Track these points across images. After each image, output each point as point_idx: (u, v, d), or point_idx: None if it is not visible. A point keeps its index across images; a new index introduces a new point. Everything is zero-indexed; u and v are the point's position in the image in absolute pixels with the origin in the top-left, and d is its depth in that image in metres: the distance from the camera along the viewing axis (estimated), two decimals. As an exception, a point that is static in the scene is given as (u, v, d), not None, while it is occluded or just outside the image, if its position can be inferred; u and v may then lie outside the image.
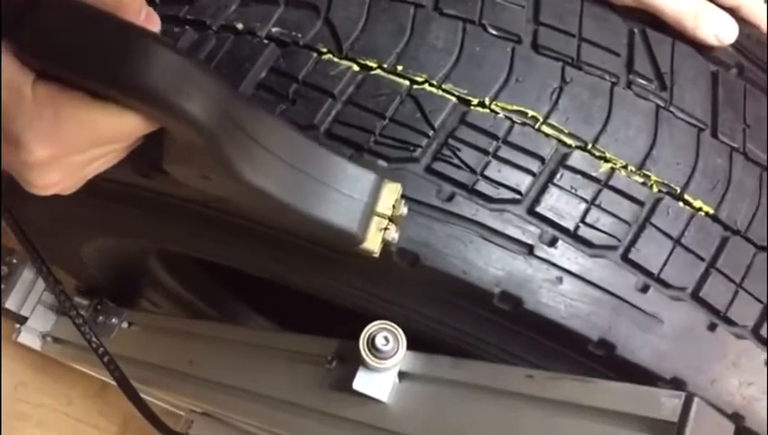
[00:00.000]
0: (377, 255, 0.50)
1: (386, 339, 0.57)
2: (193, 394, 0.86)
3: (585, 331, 0.52)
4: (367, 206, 0.49)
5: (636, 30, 0.57)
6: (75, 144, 0.41)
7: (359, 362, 0.59)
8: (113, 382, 1.13)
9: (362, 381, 0.59)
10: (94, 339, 0.80)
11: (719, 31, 0.57)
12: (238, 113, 0.43)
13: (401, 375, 0.60)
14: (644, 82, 0.56)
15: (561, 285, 0.52)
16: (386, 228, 0.50)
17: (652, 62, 0.57)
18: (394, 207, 0.50)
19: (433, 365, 0.59)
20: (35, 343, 1.24)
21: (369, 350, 0.57)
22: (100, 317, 1.08)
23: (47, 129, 0.40)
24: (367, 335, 0.57)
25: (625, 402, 0.47)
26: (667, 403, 0.44)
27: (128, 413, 1.47)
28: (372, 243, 0.50)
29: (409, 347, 0.58)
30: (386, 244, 0.50)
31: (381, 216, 0.50)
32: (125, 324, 1.06)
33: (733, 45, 0.60)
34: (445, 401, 0.57)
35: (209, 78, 0.41)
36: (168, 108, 0.39)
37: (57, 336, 1.22)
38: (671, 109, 0.56)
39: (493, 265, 0.51)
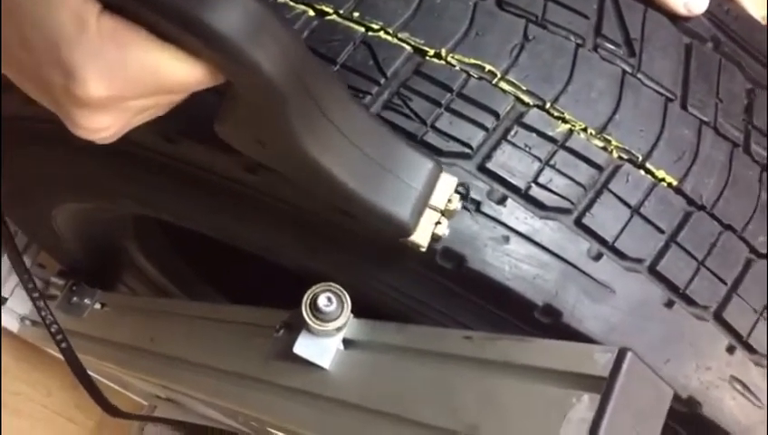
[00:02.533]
0: (424, 249, 0.48)
1: (329, 300, 0.54)
2: (153, 371, 0.84)
3: (530, 295, 0.49)
4: (422, 196, 0.47)
5: (608, -6, 0.55)
6: (135, 88, 0.37)
7: (301, 327, 0.56)
8: (95, 375, 1.12)
9: (303, 346, 0.56)
10: (44, 307, 0.77)
11: (689, 0, 0.54)
12: (311, 79, 0.40)
13: (347, 343, 0.57)
14: (611, 46, 0.54)
15: (508, 245, 0.49)
16: (438, 223, 0.47)
17: (622, 27, 0.55)
18: (449, 200, 0.47)
19: (377, 331, 0.56)
20: (14, 326, 1.23)
21: (312, 311, 0.54)
22: (75, 298, 1.07)
23: (109, 66, 0.35)
24: (310, 296, 0.55)
25: (560, 360, 0.44)
26: (600, 359, 0.41)
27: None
28: (421, 236, 0.47)
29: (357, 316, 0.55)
30: (434, 239, 0.48)
31: (434, 208, 0.47)
32: (97, 305, 1.05)
33: (710, 19, 0.57)
34: (385, 366, 0.55)
35: (289, 34, 0.38)
36: (242, 59, 0.36)
37: (34, 319, 1.20)
38: (638, 76, 0.54)
39: (436, 220, 0.49)
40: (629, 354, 0.40)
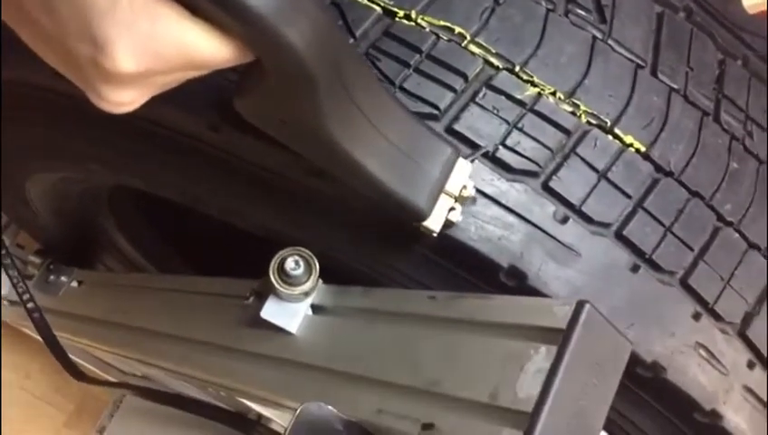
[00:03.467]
0: (436, 235, 0.48)
1: (296, 263, 0.54)
2: (126, 344, 0.84)
3: (495, 256, 0.49)
4: (438, 182, 0.47)
5: (579, -39, 0.55)
6: (164, 63, 0.36)
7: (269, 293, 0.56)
8: (77, 359, 1.11)
9: (271, 311, 0.56)
10: (18, 280, 0.77)
11: None
12: (341, 62, 0.39)
13: (316, 309, 0.57)
14: (582, 12, 0.54)
15: (473, 206, 0.49)
16: (451, 208, 0.47)
17: (593, -7, 0.54)
18: (464, 187, 0.47)
19: (344, 295, 0.56)
20: (-7, 307, 1.22)
21: (279, 275, 0.54)
22: (52, 276, 1.06)
23: (140, 40, 0.34)
24: (277, 260, 0.54)
25: (520, 314, 0.44)
26: (558, 312, 0.41)
27: (86, 393, 1.44)
28: (435, 222, 0.47)
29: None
30: (446, 225, 0.48)
31: (449, 194, 0.47)
32: (74, 283, 1.04)
33: (683, -11, 0.57)
34: (351, 329, 0.55)
35: (324, 16, 0.37)
36: (275, 38, 0.35)
37: (13, 299, 1.20)
38: (609, 42, 0.54)
39: (405, 180, 0.48)
40: (587, 306, 0.40)
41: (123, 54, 0.34)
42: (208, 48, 0.36)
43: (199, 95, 0.49)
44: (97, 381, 0.93)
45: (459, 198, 0.48)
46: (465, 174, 0.48)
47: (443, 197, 0.47)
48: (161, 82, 0.38)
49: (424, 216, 0.47)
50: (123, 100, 0.37)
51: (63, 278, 1.04)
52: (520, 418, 0.39)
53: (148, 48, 0.34)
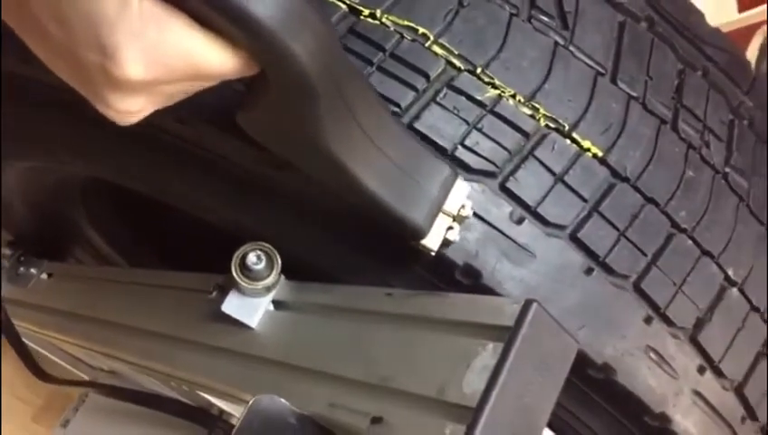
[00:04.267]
0: (434, 253, 0.48)
1: (258, 258, 0.54)
2: (92, 337, 0.84)
3: (450, 253, 0.49)
4: (437, 200, 0.47)
5: (544, -31, 0.56)
6: (172, 72, 0.36)
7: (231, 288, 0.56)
8: (46, 353, 1.11)
9: (232, 305, 0.56)
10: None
11: None
12: (343, 79, 0.40)
13: (278, 304, 0.57)
14: (545, 18, 0.55)
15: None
16: (449, 228, 0.48)
17: (557, 1, 0.55)
18: (462, 206, 0.48)
19: (306, 291, 0.57)
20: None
21: (241, 270, 0.54)
22: (21, 268, 1.06)
23: (149, 48, 0.35)
24: (239, 255, 0.55)
25: (471, 312, 0.44)
26: (507, 310, 0.42)
27: (55, 389, 1.43)
28: (433, 241, 0.48)
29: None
30: (444, 243, 0.48)
31: (447, 214, 0.48)
32: (44, 275, 1.04)
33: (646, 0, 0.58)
34: (310, 325, 0.55)
35: (329, 32, 0.37)
36: (280, 50, 0.35)
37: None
38: (570, 48, 0.55)
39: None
40: (534, 305, 0.41)
41: (131, 62, 0.35)
42: (215, 58, 0.36)
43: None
44: (60, 380, 0.92)
45: (457, 218, 0.48)
46: (463, 194, 0.48)
47: (441, 216, 0.48)
48: (168, 92, 0.38)
49: (423, 234, 0.47)
50: (130, 108, 0.38)
51: (33, 270, 1.04)
52: (464, 413, 0.40)
53: (156, 56, 0.35)
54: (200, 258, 0.91)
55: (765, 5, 1.23)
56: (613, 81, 0.55)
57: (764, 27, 1.31)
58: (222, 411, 0.81)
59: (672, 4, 0.60)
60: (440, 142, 0.50)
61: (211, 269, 0.65)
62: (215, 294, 0.61)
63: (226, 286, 0.58)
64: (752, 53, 1.34)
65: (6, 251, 1.09)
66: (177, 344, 0.66)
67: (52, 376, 0.83)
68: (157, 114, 0.52)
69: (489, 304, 0.43)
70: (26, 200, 0.94)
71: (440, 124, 0.51)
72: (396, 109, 0.50)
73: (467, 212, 0.49)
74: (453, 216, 0.48)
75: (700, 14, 0.63)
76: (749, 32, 1.33)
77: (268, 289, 0.55)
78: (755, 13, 1.27)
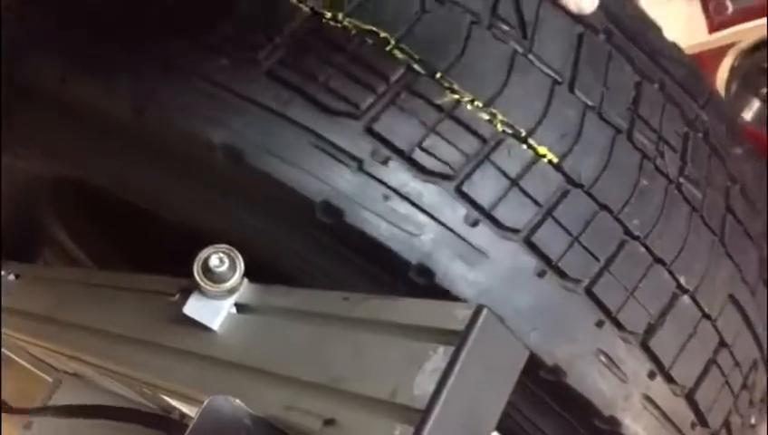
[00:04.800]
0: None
1: (221, 260, 0.54)
2: (57, 339, 0.83)
3: (404, 253, 0.50)
4: None
5: (506, -21, 0.57)
6: None
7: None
8: (12, 355, 1.10)
9: (194, 307, 0.56)
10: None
11: (581, 1, 0.57)
12: None
13: (240, 307, 0.58)
14: (506, 26, 0.56)
15: (387, 203, 0.50)
16: None
17: (517, 10, 0.57)
18: None
19: (268, 294, 0.57)
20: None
21: (203, 272, 0.55)
22: (-13, 269, 1.05)
23: None
24: (202, 257, 0.55)
25: (424, 316, 0.45)
26: (458, 315, 0.42)
27: (23, 390, 1.41)
28: None
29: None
30: None
31: None
32: (12, 277, 1.03)
33: (605, 12, 0.60)
34: (270, 328, 0.56)
35: None
36: None
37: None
38: (529, 57, 0.56)
39: (318, 174, 0.50)
40: (485, 311, 0.41)
41: None
42: None
43: (124, 77, 0.50)
44: (13, 410, 0.92)
45: None
46: None
47: None
48: None
49: None
50: None
51: (1, 272, 1.03)
52: (413, 415, 0.41)
53: None
54: (167, 261, 0.92)
55: (735, 27, 1.26)
56: (570, 89, 0.56)
57: (735, 48, 1.34)
58: (183, 415, 0.81)
59: (631, 18, 0.61)
60: (398, 144, 0.51)
61: (178, 272, 0.65)
62: (178, 296, 0.61)
63: (189, 289, 0.58)
64: (722, 74, 1.37)
65: (-27, 252, 1.08)
66: (140, 347, 0.66)
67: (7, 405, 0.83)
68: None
69: (441, 308, 0.44)
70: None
71: (398, 126, 0.52)
72: (354, 110, 0.51)
73: None
74: None
75: (658, 29, 0.64)
76: (720, 53, 1.36)
77: (230, 292, 0.55)
78: (726, 34, 1.29)
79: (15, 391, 1.33)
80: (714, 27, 1.27)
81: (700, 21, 1.28)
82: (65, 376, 1.04)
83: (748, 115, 1.41)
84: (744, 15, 1.24)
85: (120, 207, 0.77)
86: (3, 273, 1.05)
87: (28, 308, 0.92)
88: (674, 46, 0.65)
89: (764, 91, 1.40)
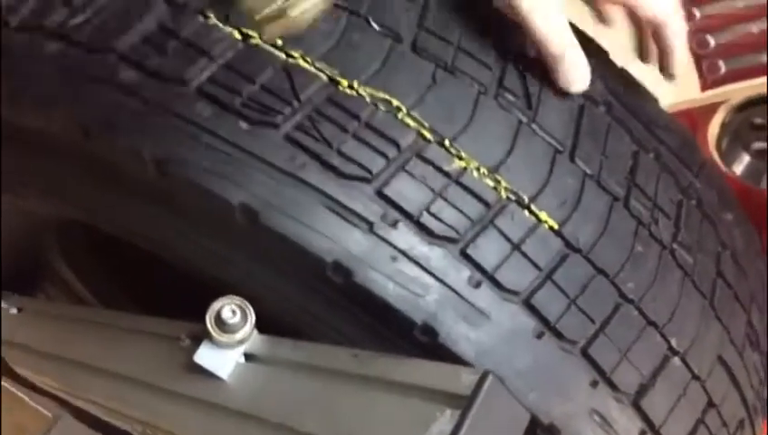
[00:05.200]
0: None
1: (233, 312, 0.57)
2: (60, 376, 0.85)
3: (410, 313, 0.52)
4: None
5: (512, 51, 0.60)
6: None
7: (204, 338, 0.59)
8: (11, 388, 1.10)
9: (204, 355, 0.58)
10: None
11: (571, 81, 0.60)
12: None
13: (248, 357, 0.60)
14: (511, 97, 0.59)
15: (394, 265, 0.53)
16: None
17: (522, 81, 0.60)
18: None
19: (276, 347, 0.59)
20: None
21: (216, 322, 0.57)
22: (-10, 301, 1.07)
23: None
24: (215, 308, 0.57)
25: (431, 378, 0.48)
26: (465, 379, 0.45)
27: (20, 423, 1.42)
28: None
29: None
30: None
31: None
32: (14, 310, 1.05)
33: (605, 85, 0.63)
34: (280, 380, 0.58)
35: None
36: None
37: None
38: (532, 126, 0.59)
39: (330, 235, 0.52)
40: (491, 377, 0.44)
41: None
42: None
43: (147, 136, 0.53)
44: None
45: None
46: None
47: None
48: None
49: None
50: None
51: (4, 304, 1.05)
52: (420, 476, 0.43)
53: None
54: (174, 304, 0.94)
55: (728, 86, 1.29)
56: (571, 158, 0.59)
57: (726, 105, 1.37)
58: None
59: (629, 90, 0.65)
60: (407, 208, 0.54)
61: (184, 315, 0.67)
62: (187, 342, 0.63)
63: (200, 337, 0.60)
64: (713, 129, 1.40)
65: (-24, 283, 1.10)
66: (147, 390, 0.67)
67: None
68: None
69: (449, 371, 0.47)
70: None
71: (408, 191, 0.54)
72: (367, 175, 0.54)
73: None
74: None
75: (654, 100, 0.68)
76: (711, 109, 1.39)
77: (240, 342, 0.57)
78: (718, 93, 1.33)
79: (13, 424, 1.34)
80: (706, 86, 1.30)
81: (693, 79, 1.31)
82: (64, 412, 1.06)
83: (738, 169, 1.44)
84: (736, 75, 1.28)
85: (127, 249, 0.79)
86: (4, 305, 1.07)
87: (30, 342, 0.93)
88: (669, 117, 0.68)
89: (754, 146, 1.44)
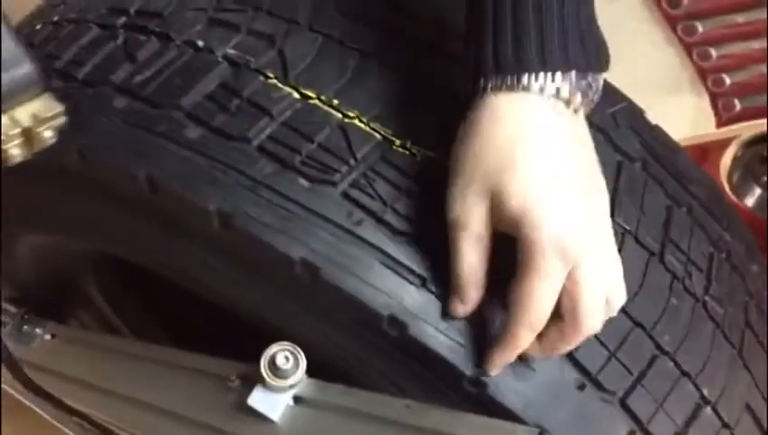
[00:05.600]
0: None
1: (286, 358, 0.59)
2: (99, 406, 0.87)
3: (461, 365, 0.55)
4: None
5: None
6: None
7: (257, 381, 0.61)
8: (27, 402, 1.12)
9: (257, 399, 0.61)
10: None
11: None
12: None
13: (296, 399, 0.62)
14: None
15: (445, 319, 0.55)
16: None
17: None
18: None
19: (326, 391, 0.62)
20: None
21: (270, 368, 0.59)
22: (25, 327, 1.09)
23: None
24: (269, 354, 0.60)
25: (486, 434, 0.50)
26: (521, 437, 0.47)
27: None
28: None
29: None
30: None
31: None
32: (48, 336, 1.07)
33: (640, 142, 0.66)
34: (331, 425, 0.60)
35: None
36: None
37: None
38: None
39: (386, 290, 0.55)
40: (544, 436, 0.47)
41: None
42: None
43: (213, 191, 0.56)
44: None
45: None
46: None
47: None
48: None
49: None
50: None
51: (38, 330, 1.07)
52: None
53: None
54: (210, 341, 0.96)
55: (742, 123, 1.33)
56: (611, 216, 0.62)
57: (738, 139, 1.40)
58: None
59: (662, 146, 0.67)
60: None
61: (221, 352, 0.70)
62: (237, 383, 0.66)
63: (248, 378, 0.63)
64: (725, 162, 1.43)
65: (11, 308, 1.12)
66: (194, 427, 0.70)
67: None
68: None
69: (503, 427, 0.49)
70: (37, 267, 0.98)
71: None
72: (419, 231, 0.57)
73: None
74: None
75: (685, 155, 0.70)
76: (724, 144, 1.42)
77: (292, 386, 0.60)
78: (732, 129, 1.36)
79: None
80: (722, 123, 1.34)
81: (708, 116, 1.35)
82: (98, 437, 1.08)
83: (750, 202, 1.47)
84: (751, 114, 1.31)
85: (166, 286, 0.82)
86: (38, 331, 1.09)
87: (67, 370, 0.95)
88: (699, 171, 0.71)
89: (765, 178, 1.47)
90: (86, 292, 1.05)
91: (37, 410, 1.21)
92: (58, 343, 1.05)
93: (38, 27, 0.72)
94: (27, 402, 1.19)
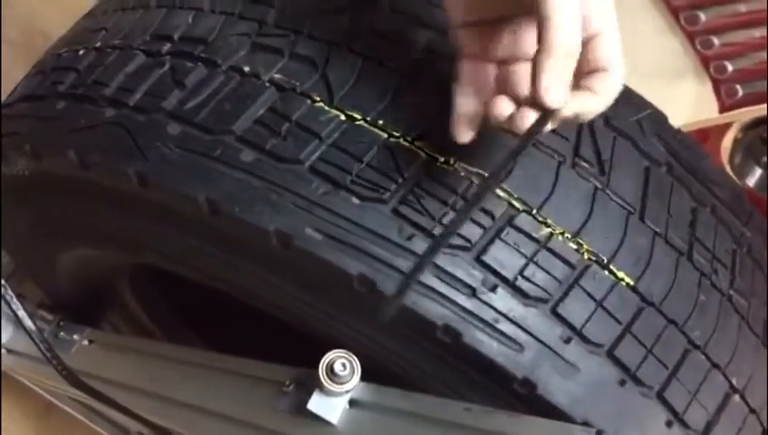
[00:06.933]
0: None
1: (344, 365, 0.63)
2: (150, 410, 0.90)
3: (512, 368, 0.59)
4: None
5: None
6: None
7: (314, 386, 0.65)
8: (60, 404, 1.15)
9: (317, 403, 0.64)
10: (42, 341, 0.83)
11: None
12: None
13: (352, 403, 0.66)
14: (586, 165, 0.65)
15: (497, 326, 0.59)
16: None
17: (595, 149, 0.66)
18: None
19: (382, 394, 0.65)
20: (-9, 355, 1.26)
21: (328, 374, 0.63)
22: (62, 333, 1.12)
23: None
24: (327, 361, 0.63)
25: (545, 435, 0.54)
26: (579, 438, 0.51)
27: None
28: None
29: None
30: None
31: None
32: (85, 342, 1.10)
33: (665, 146, 0.69)
34: (389, 427, 0.63)
35: None
36: None
37: (12, 348, 1.24)
38: (607, 191, 0.65)
39: (439, 301, 0.59)
40: (603, 435, 0.50)
41: None
42: None
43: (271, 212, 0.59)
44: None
45: None
46: None
47: None
48: None
49: None
50: None
51: (75, 336, 1.10)
52: None
53: None
54: (247, 346, 1.00)
55: (744, 109, 1.36)
56: (641, 219, 0.65)
57: (738, 122, 1.44)
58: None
59: (686, 150, 0.71)
60: (504, 273, 0.60)
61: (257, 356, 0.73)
62: (291, 387, 0.69)
63: (304, 383, 0.67)
64: (726, 144, 1.47)
65: (46, 316, 1.15)
66: (247, 428, 0.73)
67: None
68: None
69: (559, 429, 0.53)
70: (77, 277, 1.01)
71: (503, 257, 0.61)
72: (467, 243, 0.60)
73: None
74: None
75: (707, 157, 0.74)
76: (725, 127, 1.46)
77: (348, 391, 0.63)
78: (734, 114, 1.40)
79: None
80: (724, 108, 1.37)
81: (711, 101, 1.38)
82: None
83: (751, 182, 1.51)
84: (753, 99, 1.35)
85: (203, 293, 0.85)
86: (75, 337, 1.12)
87: (111, 376, 0.98)
88: (721, 172, 0.75)
89: (765, 159, 1.51)
90: (120, 296, 1.07)
91: (70, 410, 1.25)
92: (96, 349, 1.08)
93: (81, 53, 0.75)
94: (60, 404, 1.22)
